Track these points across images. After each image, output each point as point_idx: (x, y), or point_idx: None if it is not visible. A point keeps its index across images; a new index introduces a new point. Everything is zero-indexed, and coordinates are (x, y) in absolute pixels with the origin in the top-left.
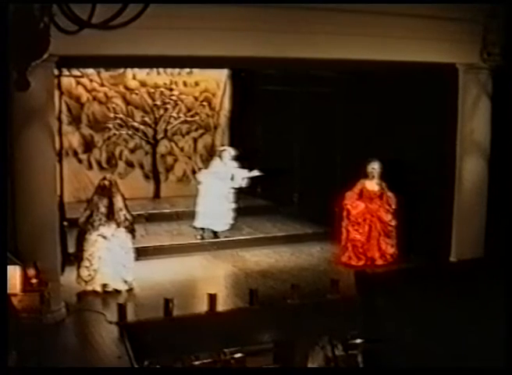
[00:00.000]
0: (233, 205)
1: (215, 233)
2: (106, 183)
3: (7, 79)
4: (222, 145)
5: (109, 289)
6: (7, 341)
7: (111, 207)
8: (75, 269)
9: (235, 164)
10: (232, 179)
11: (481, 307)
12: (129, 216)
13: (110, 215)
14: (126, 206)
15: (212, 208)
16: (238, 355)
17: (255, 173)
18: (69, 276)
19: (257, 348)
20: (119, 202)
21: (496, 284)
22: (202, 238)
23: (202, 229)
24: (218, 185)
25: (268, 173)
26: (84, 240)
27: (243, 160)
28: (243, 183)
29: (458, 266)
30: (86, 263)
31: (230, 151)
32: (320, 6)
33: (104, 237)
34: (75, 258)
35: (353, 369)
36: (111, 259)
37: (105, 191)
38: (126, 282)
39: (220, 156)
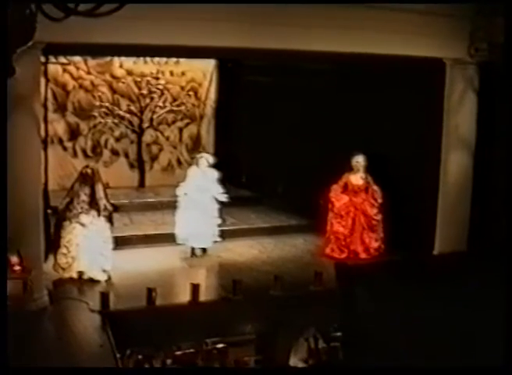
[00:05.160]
0: (218, 220)
1: (193, 250)
2: (88, 171)
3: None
4: (199, 152)
5: (86, 277)
6: (7, 341)
7: (92, 195)
8: None
9: (213, 172)
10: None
11: (461, 298)
12: (108, 206)
13: (91, 203)
14: (106, 195)
15: (192, 224)
16: (220, 346)
17: (223, 197)
18: (51, 264)
19: (240, 338)
20: (100, 191)
21: (476, 277)
22: (193, 255)
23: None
24: (198, 197)
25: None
26: (62, 227)
27: (220, 171)
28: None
29: (439, 259)
30: (63, 250)
31: (208, 158)
32: None
33: (83, 225)
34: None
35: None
36: (88, 247)
37: (87, 179)
38: (104, 271)
39: (197, 164)
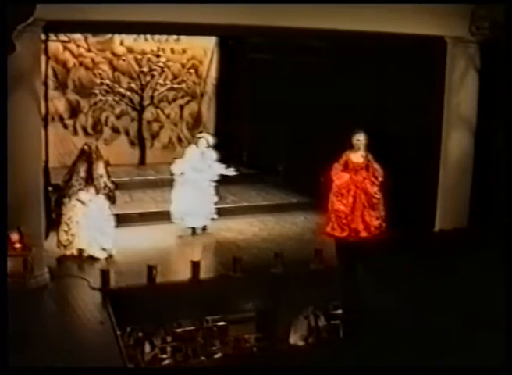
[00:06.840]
0: (214, 198)
1: (194, 229)
2: (86, 148)
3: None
4: (200, 131)
5: (86, 254)
6: (7, 341)
7: (90, 172)
8: None
9: (212, 153)
10: (209, 169)
11: (458, 273)
12: (109, 184)
13: (89, 180)
14: (107, 173)
15: (188, 202)
16: (220, 323)
17: (230, 171)
18: (53, 242)
19: (240, 316)
20: (99, 169)
21: (474, 252)
22: (193, 232)
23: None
24: (195, 177)
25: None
26: (63, 204)
27: (220, 149)
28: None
29: (439, 235)
30: (64, 227)
31: (208, 139)
32: None
33: (82, 202)
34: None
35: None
36: (88, 225)
37: (85, 155)
38: (104, 249)
39: (196, 144)
